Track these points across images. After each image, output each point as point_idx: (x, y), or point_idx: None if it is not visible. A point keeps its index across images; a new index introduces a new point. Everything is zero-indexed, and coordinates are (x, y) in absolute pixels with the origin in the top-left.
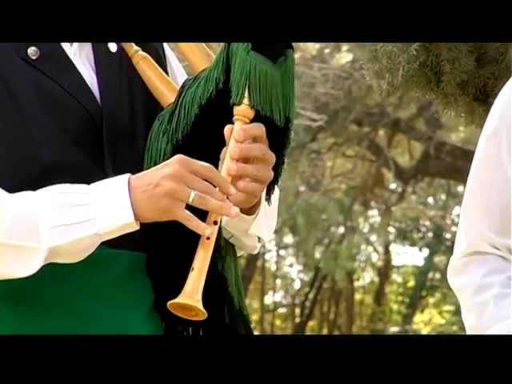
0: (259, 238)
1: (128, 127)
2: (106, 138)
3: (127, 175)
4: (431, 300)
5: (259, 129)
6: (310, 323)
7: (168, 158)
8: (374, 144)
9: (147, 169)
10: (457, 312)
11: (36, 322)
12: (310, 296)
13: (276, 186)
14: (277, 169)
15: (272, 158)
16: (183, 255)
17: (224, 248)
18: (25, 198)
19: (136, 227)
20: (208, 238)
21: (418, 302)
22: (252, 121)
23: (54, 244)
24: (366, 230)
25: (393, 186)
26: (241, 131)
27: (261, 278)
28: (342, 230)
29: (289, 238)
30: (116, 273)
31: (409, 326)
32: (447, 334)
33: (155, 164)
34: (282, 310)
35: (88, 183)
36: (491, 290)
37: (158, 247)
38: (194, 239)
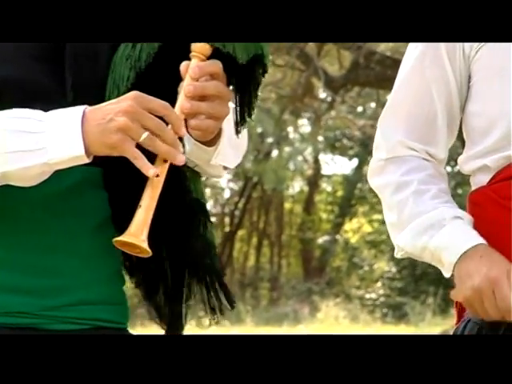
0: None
1: (91, 44)
2: (68, 54)
3: (83, 107)
4: (360, 209)
5: (215, 66)
6: (240, 232)
7: (131, 85)
8: (303, 53)
9: (110, 91)
10: (385, 220)
11: None
12: (240, 205)
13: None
14: (246, 105)
15: (228, 95)
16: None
17: (189, 172)
18: None
19: (87, 160)
20: (157, 176)
21: (348, 211)
22: (211, 57)
23: (4, 170)
24: (295, 139)
25: (323, 95)
26: (196, 68)
27: None
28: (271, 139)
29: None
30: (66, 185)
31: (338, 234)
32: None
33: (118, 88)
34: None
35: (47, 100)
36: (410, 187)
37: (115, 162)
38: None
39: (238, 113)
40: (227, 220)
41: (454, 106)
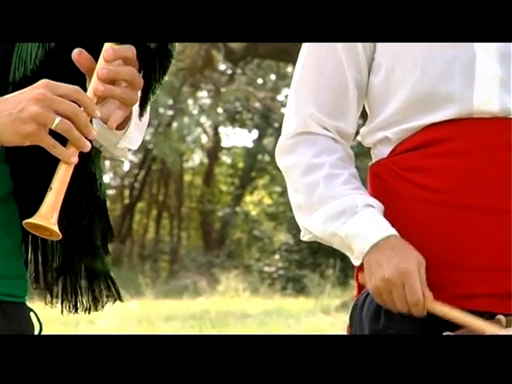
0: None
1: None
2: None
3: None
4: (260, 181)
5: (130, 50)
6: (139, 205)
7: (39, 62)
8: None
9: (15, 68)
10: (284, 193)
11: None
12: (140, 178)
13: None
14: (152, 90)
15: (140, 82)
16: None
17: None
18: None
19: None
20: None
21: (248, 184)
22: None
23: None
24: (195, 111)
25: (222, 67)
26: (110, 50)
27: None
28: (171, 111)
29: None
30: None
31: (238, 207)
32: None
33: (25, 65)
34: (110, 192)
35: None
36: (321, 170)
37: None
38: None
39: (144, 97)
40: (127, 192)
41: (363, 78)
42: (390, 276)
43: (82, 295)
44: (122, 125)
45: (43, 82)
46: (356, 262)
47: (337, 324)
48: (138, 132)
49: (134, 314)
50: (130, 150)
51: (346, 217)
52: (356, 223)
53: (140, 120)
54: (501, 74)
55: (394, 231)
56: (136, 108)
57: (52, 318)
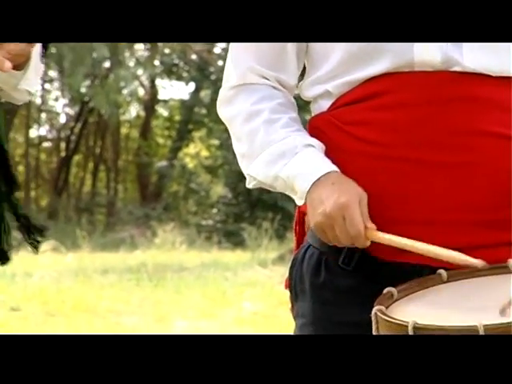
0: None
1: None
2: None
3: None
4: (197, 134)
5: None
6: (76, 157)
7: None
8: None
9: None
10: (221, 146)
11: None
12: (76, 130)
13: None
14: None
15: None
16: None
17: None
18: None
19: None
20: None
21: (185, 137)
22: None
23: None
24: (132, 64)
25: None
26: None
27: (25, 111)
28: (108, 63)
29: (54, 72)
30: None
31: (175, 159)
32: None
33: None
34: (46, 145)
35: None
36: (261, 116)
37: None
38: None
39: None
40: (63, 145)
41: None
42: (331, 210)
43: None
44: (22, 65)
45: None
46: (299, 202)
47: (273, 277)
48: (36, 74)
49: (70, 266)
50: (30, 93)
51: (287, 158)
52: (297, 163)
53: (42, 61)
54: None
55: (334, 167)
56: (38, 48)
57: None
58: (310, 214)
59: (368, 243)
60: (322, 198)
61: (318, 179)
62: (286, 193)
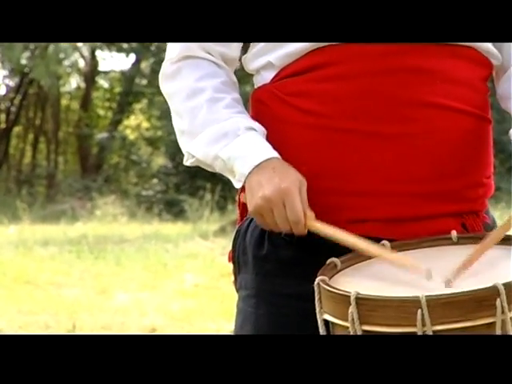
0: None
1: None
2: None
3: None
4: (138, 106)
5: None
6: (16, 129)
7: None
8: None
9: None
10: (162, 117)
11: None
12: (16, 102)
13: None
14: None
15: None
16: None
17: None
18: None
19: None
20: None
21: (125, 108)
22: None
23: None
24: None
25: None
26: None
27: None
28: None
29: None
30: None
31: (116, 131)
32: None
33: None
34: None
35: None
36: (204, 93)
37: None
38: None
39: None
40: (3, 117)
41: None
42: (271, 195)
43: None
44: None
45: None
46: (237, 185)
47: (215, 249)
48: None
49: (11, 238)
50: None
51: (228, 139)
52: (238, 146)
53: None
54: None
55: (275, 153)
56: None
57: None
58: (249, 197)
59: (306, 231)
60: (261, 181)
61: (260, 163)
62: (225, 174)
